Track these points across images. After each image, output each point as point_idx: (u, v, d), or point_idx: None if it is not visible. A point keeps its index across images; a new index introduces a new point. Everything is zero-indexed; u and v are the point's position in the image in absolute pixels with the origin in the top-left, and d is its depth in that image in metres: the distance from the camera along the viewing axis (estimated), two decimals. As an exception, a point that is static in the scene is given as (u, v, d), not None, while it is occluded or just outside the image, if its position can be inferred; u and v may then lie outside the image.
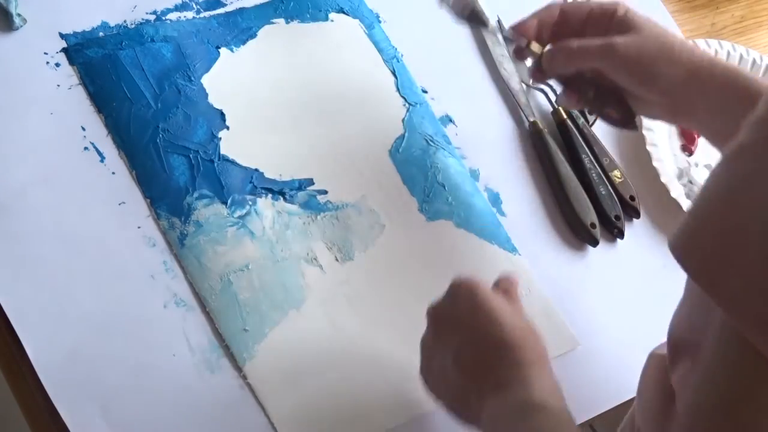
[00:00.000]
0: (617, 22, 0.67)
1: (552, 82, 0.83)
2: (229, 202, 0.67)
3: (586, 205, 0.77)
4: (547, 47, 0.70)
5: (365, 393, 0.64)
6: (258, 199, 0.69)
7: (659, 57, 0.65)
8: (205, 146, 0.69)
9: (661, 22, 0.91)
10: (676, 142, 0.86)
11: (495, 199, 0.76)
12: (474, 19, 0.73)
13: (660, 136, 0.84)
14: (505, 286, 0.62)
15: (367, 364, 0.65)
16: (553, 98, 0.83)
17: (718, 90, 0.65)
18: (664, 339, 0.75)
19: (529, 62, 0.75)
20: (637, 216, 0.80)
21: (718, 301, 0.42)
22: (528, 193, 0.78)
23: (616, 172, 0.80)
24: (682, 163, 0.84)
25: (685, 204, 0.80)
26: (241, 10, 0.77)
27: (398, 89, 0.78)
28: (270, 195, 0.69)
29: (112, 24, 0.72)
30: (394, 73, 0.79)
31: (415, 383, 0.64)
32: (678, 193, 0.81)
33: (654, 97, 0.67)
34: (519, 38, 0.70)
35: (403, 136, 0.76)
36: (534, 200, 0.78)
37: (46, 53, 0.69)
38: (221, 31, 0.75)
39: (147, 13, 0.74)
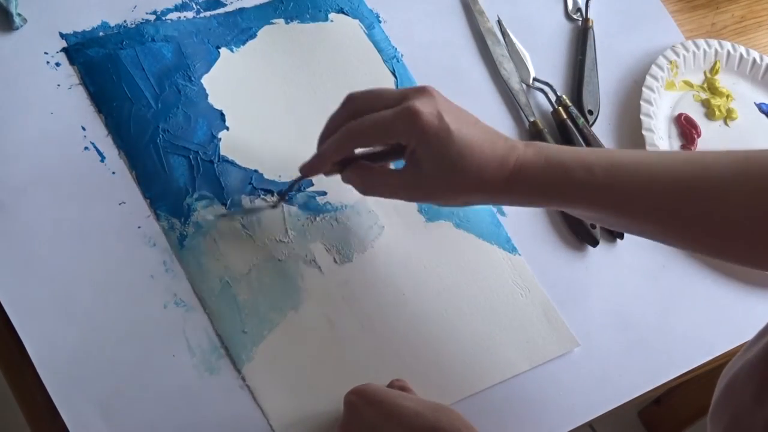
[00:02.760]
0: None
1: (546, 86, 0.84)
2: (228, 203, 0.68)
3: (585, 206, 0.77)
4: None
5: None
6: (257, 201, 0.69)
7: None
8: (205, 147, 0.69)
9: (661, 22, 0.92)
10: (676, 143, 0.86)
11: (495, 199, 0.76)
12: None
13: (659, 136, 0.84)
14: (400, 384, 0.63)
15: (365, 365, 0.65)
16: (553, 98, 0.83)
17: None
18: (661, 340, 0.75)
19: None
20: (637, 216, 0.80)
21: None
22: (528, 193, 0.78)
23: (616, 172, 0.80)
24: (682, 163, 0.84)
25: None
26: (241, 11, 0.77)
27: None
28: (269, 196, 0.69)
29: (112, 24, 0.72)
30: (394, 73, 0.79)
31: (414, 384, 0.64)
32: (678, 193, 0.81)
33: None
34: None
35: (403, 136, 0.76)
36: (534, 200, 0.78)
37: (46, 53, 0.69)
38: (221, 31, 0.75)
39: (147, 13, 0.74)
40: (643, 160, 0.61)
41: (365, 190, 0.64)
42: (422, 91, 0.60)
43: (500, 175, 0.60)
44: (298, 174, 0.65)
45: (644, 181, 0.60)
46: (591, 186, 0.60)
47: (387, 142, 0.62)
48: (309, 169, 0.64)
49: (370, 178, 0.63)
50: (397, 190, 0.63)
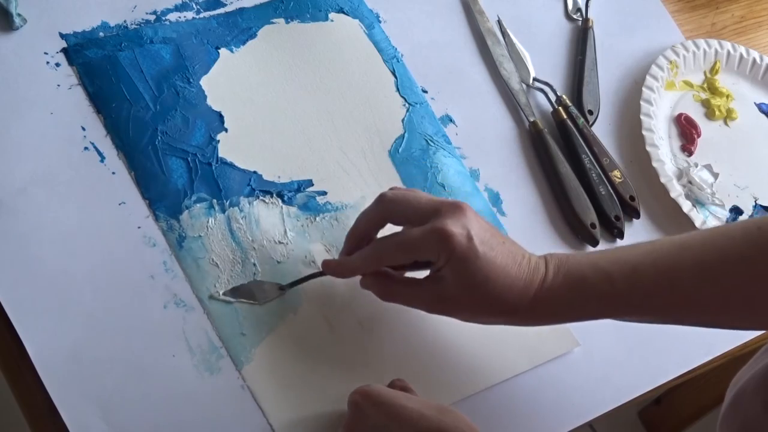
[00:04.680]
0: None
1: (546, 86, 0.84)
2: (227, 205, 0.68)
3: (586, 205, 0.77)
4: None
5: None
6: (255, 202, 0.69)
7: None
8: (203, 149, 0.69)
9: (661, 22, 0.92)
10: (676, 143, 0.86)
11: (495, 199, 0.77)
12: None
13: (659, 136, 0.84)
14: (401, 384, 0.63)
15: (365, 366, 0.65)
16: (553, 98, 0.83)
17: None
18: (661, 340, 0.75)
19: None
20: (637, 216, 0.80)
21: None
22: (528, 193, 0.78)
23: (616, 172, 0.80)
24: (681, 163, 0.84)
25: (685, 204, 0.80)
26: (241, 10, 0.77)
27: (398, 89, 0.78)
28: (268, 197, 0.69)
29: (112, 24, 0.72)
30: (394, 73, 0.79)
31: (414, 384, 0.64)
32: (677, 193, 0.81)
33: None
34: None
35: (402, 136, 0.76)
36: (534, 200, 0.78)
37: (46, 53, 0.69)
38: (221, 32, 0.75)
39: (147, 13, 0.74)
40: (660, 257, 0.61)
41: (384, 298, 0.65)
42: (454, 208, 0.60)
43: (524, 299, 0.61)
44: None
45: (664, 281, 0.60)
46: (612, 296, 0.61)
47: (416, 261, 0.63)
48: (333, 271, 0.65)
49: (390, 288, 0.64)
50: (417, 302, 0.64)
